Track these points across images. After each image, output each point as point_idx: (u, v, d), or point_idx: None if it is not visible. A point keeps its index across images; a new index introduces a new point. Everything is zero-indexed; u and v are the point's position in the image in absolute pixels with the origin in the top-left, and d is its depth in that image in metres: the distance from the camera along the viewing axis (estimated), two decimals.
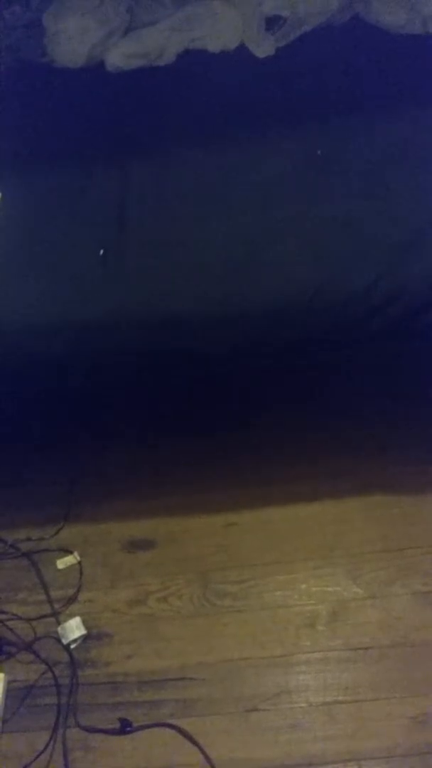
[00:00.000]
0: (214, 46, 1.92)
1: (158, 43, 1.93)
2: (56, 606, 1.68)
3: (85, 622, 1.64)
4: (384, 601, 1.59)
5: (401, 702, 1.46)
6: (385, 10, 1.90)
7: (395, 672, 1.50)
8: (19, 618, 1.67)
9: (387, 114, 1.70)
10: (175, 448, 1.87)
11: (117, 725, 1.49)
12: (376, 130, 1.67)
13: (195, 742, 1.46)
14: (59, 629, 1.63)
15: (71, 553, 1.75)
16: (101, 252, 1.52)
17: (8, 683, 1.57)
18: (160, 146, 1.74)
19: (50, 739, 1.49)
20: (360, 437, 1.80)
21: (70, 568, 1.73)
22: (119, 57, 1.94)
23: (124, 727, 1.48)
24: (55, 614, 1.66)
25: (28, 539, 1.79)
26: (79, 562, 1.74)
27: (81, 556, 1.74)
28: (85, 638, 1.62)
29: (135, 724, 1.49)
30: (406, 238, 1.47)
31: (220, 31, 1.90)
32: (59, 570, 1.73)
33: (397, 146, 1.62)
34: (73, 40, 1.95)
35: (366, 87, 1.79)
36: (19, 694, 1.56)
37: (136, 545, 1.75)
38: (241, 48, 1.94)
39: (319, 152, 1.64)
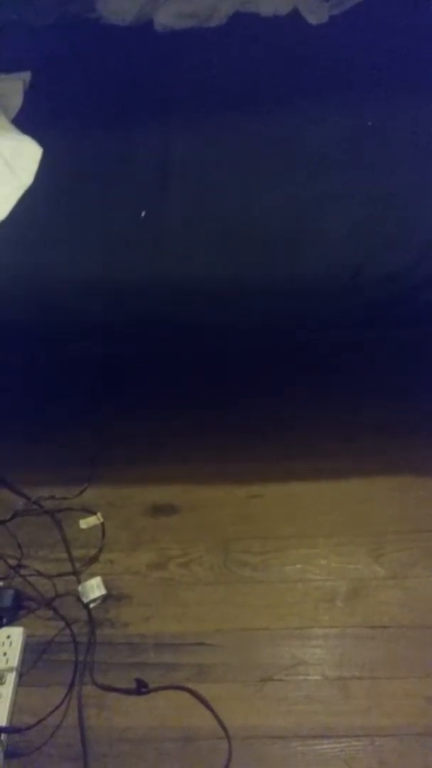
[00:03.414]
0: (266, 9, 1.88)
1: (209, 3, 1.89)
2: (77, 565, 1.69)
3: (105, 583, 1.65)
4: (405, 582, 1.59)
5: (418, 682, 1.46)
6: None
7: (412, 652, 1.50)
8: (40, 574, 1.68)
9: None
10: (201, 418, 1.87)
11: (133, 685, 1.50)
12: (426, 105, 1.63)
13: (209, 707, 1.47)
14: (79, 588, 1.64)
15: (94, 513, 1.76)
16: (143, 214, 1.51)
17: (27, 638, 1.59)
18: (205, 110, 1.71)
19: (66, 695, 1.50)
20: (390, 417, 1.79)
21: (92, 528, 1.74)
22: (169, 16, 1.91)
23: (140, 688, 1.49)
24: (75, 573, 1.67)
25: (52, 497, 1.80)
26: (102, 524, 1.74)
27: (104, 517, 1.75)
28: (104, 598, 1.63)
29: (151, 686, 1.50)
30: None
31: None
32: (82, 530, 1.74)
33: None
34: None
35: (422, 60, 1.75)
36: (37, 649, 1.58)
37: (159, 510, 1.76)
38: (294, 13, 1.90)
39: (369, 123, 1.61)
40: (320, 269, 1.42)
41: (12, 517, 1.77)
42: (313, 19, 1.87)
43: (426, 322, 1.49)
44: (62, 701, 1.50)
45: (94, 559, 1.69)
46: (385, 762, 1.38)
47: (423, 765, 1.38)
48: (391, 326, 1.51)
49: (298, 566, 1.64)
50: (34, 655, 1.57)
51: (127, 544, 1.71)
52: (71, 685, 1.52)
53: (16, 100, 1.79)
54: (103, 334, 1.50)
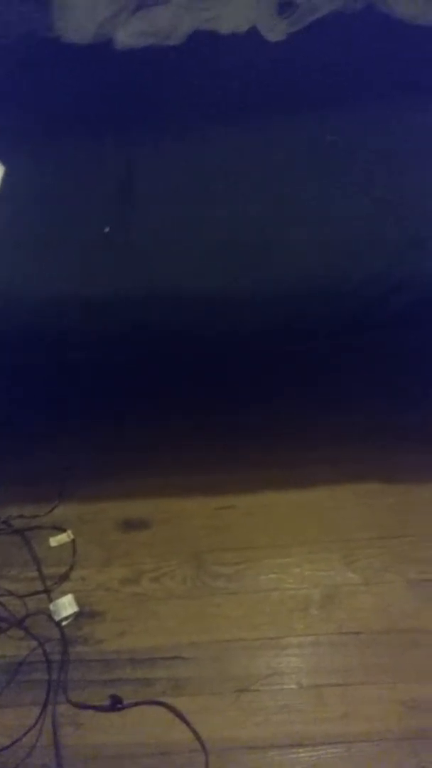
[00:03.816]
0: (225, 27, 1.91)
1: (168, 21, 1.91)
2: (48, 583, 1.67)
3: (77, 600, 1.63)
4: (377, 588, 1.60)
5: (392, 687, 1.47)
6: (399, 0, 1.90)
7: (386, 658, 1.51)
8: (11, 594, 1.66)
9: (397, 104, 1.70)
10: (172, 430, 1.87)
11: (107, 702, 1.48)
12: (385, 120, 1.67)
13: (185, 721, 1.46)
14: (51, 606, 1.63)
15: (65, 531, 1.74)
16: (106, 230, 1.51)
17: None
18: (167, 126, 1.73)
19: (40, 714, 1.48)
20: (359, 425, 1.80)
21: (63, 546, 1.73)
22: (128, 35, 1.93)
23: (115, 704, 1.48)
24: (47, 591, 1.66)
25: (21, 516, 1.78)
26: (73, 541, 1.73)
27: (75, 534, 1.74)
28: (77, 615, 1.61)
29: (125, 702, 1.49)
30: (423, 226, 1.47)
31: (232, 12, 1.89)
32: (52, 548, 1.73)
33: (410, 134, 1.62)
34: (81, 15, 1.93)
35: (376, 77, 1.79)
36: (9, 669, 1.55)
37: (130, 525, 1.75)
38: (252, 31, 1.93)
39: (328, 138, 1.64)
40: (283, 279, 1.43)
41: None
42: (271, 37, 1.90)
43: (391, 332, 1.52)
44: (36, 721, 1.48)
45: (65, 577, 1.68)
46: None
47: None
48: (355, 337, 1.53)
49: (272, 576, 1.64)
50: (6, 676, 1.54)
51: (98, 560, 1.70)
52: (45, 705, 1.50)
53: None
54: (69, 349, 1.50)
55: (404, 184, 1.54)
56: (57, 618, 1.61)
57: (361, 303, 1.43)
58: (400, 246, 1.43)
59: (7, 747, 1.43)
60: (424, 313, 1.43)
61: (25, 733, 1.46)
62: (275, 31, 1.89)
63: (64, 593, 1.65)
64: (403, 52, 1.81)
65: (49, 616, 1.62)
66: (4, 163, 1.65)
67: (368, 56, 1.83)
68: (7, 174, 1.63)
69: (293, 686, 1.49)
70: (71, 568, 1.69)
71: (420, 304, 1.42)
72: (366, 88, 1.74)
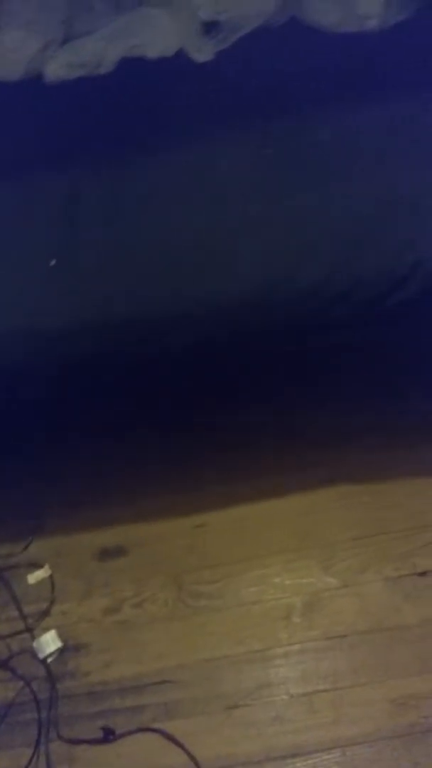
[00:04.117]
0: (152, 52, 1.92)
1: (96, 52, 1.92)
2: (30, 621, 1.66)
3: (60, 635, 1.62)
4: (357, 589, 1.61)
5: (380, 686, 1.48)
6: (319, 9, 1.93)
7: (372, 657, 1.52)
8: None
9: (327, 112, 1.73)
10: (138, 454, 1.86)
11: (100, 734, 1.48)
12: (319, 129, 1.70)
13: (179, 744, 1.45)
14: (34, 644, 1.62)
15: (41, 566, 1.73)
16: (52, 263, 1.52)
17: None
18: (105, 154, 1.74)
19: (33, 754, 1.47)
20: (323, 428, 1.82)
21: (41, 581, 1.72)
22: (57, 68, 1.94)
23: (107, 736, 1.47)
24: (29, 629, 1.65)
25: None
26: (50, 576, 1.72)
27: (52, 568, 1.73)
28: (61, 651, 1.61)
29: (118, 732, 1.48)
30: (357, 232, 1.49)
31: (158, 37, 1.91)
32: (30, 585, 1.72)
33: (340, 143, 1.65)
34: (8, 53, 1.95)
35: (304, 87, 1.82)
36: None
37: (107, 553, 1.74)
38: (180, 54, 1.95)
39: (268, 151, 1.66)
40: (231, 292, 1.45)
41: None
42: (199, 57, 1.92)
43: (344, 334, 1.54)
44: (30, 761, 1.47)
45: (46, 613, 1.67)
46: None
47: None
48: (308, 342, 1.55)
49: (252, 589, 1.65)
50: None
51: (78, 593, 1.69)
52: (38, 744, 1.49)
53: None
54: (25, 384, 1.50)
55: (345, 190, 1.57)
56: (41, 656, 1.60)
57: (304, 312, 1.45)
58: (337, 253, 1.45)
59: None
60: (368, 316, 1.45)
61: None
62: (202, 51, 1.90)
63: (46, 629, 1.64)
64: (326, 60, 1.84)
65: (33, 655, 1.61)
66: None
67: (294, 68, 1.86)
68: None
69: (283, 697, 1.50)
70: (51, 603, 1.68)
71: (363, 307, 1.44)
72: (295, 99, 1.77)
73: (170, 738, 1.46)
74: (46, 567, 1.73)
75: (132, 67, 1.95)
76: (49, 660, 1.59)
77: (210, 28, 1.95)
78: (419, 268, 1.41)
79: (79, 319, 1.46)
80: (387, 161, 1.58)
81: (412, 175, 1.53)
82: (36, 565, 1.74)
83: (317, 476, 1.76)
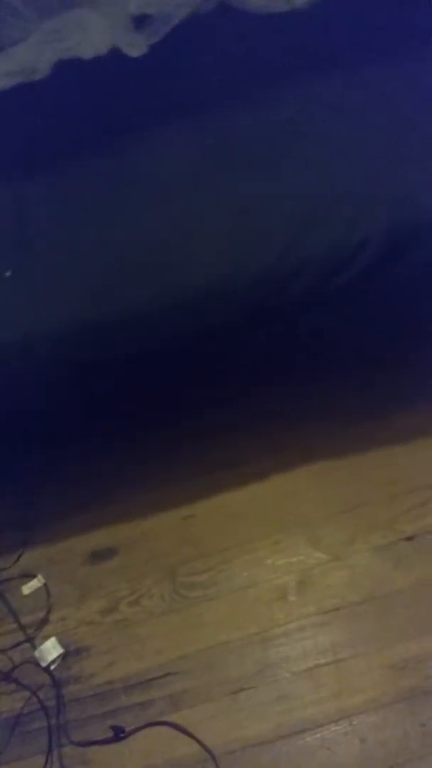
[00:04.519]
0: (86, 52, 1.92)
1: (30, 58, 1.91)
2: (29, 631, 1.67)
3: (61, 641, 1.64)
4: (347, 561, 1.64)
5: (379, 653, 1.50)
6: None
7: (368, 626, 1.54)
8: None
9: (265, 96, 1.73)
10: (120, 455, 1.87)
11: (110, 734, 1.49)
12: (259, 114, 1.70)
13: (189, 734, 1.47)
14: (36, 653, 1.63)
15: (35, 576, 1.74)
16: (7, 273, 1.52)
17: None
18: (49, 157, 1.74)
19: (46, 761, 1.49)
20: (295, 408, 1.83)
21: (36, 591, 1.73)
22: None
23: (118, 734, 1.49)
24: (29, 639, 1.66)
25: None
26: (45, 584, 1.73)
27: (46, 576, 1.74)
28: (63, 656, 1.62)
29: (127, 729, 1.50)
30: (304, 213, 1.49)
31: (90, 37, 1.90)
32: (26, 595, 1.73)
33: (282, 125, 1.65)
34: None
35: (241, 71, 1.82)
36: (7, 724, 1.55)
37: (99, 556, 1.75)
38: (114, 50, 1.95)
39: (208, 141, 1.66)
40: (186, 286, 1.46)
41: None
42: (132, 52, 1.92)
43: (304, 313, 1.56)
44: None
45: (45, 621, 1.68)
46: (366, 738, 1.42)
47: (402, 732, 1.42)
48: (272, 324, 1.56)
49: (245, 574, 1.67)
50: (6, 732, 1.55)
51: (74, 597, 1.70)
52: (50, 751, 1.50)
53: None
54: None
55: (289, 173, 1.57)
56: (44, 663, 1.61)
57: (262, 295, 1.46)
58: (286, 234, 1.46)
59: None
60: (326, 293, 1.47)
61: None
62: (135, 46, 1.90)
63: (46, 637, 1.65)
64: (259, 41, 1.84)
65: (36, 664, 1.62)
66: None
67: (228, 52, 1.86)
68: None
69: (286, 675, 1.52)
70: (49, 611, 1.69)
71: (315, 284, 1.45)
72: (231, 85, 1.77)
73: (180, 729, 1.48)
74: (40, 576, 1.74)
75: (68, 68, 1.94)
76: (53, 667, 1.61)
77: (140, 22, 1.94)
78: (367, 245, 1.42)
79: (38, 330, 1.47)
80: (329, 143, 1.59)
81: (354, 155, 1.54)
82: (29, 576, 1.75)
83: (295, 456, 1.78)
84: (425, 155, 1.51)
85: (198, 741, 1.46)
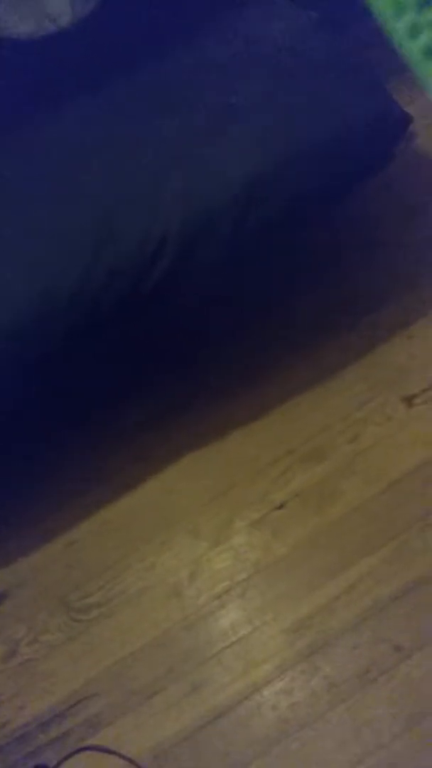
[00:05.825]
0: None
1: None
2: None
3: None
4: (229, 543, 1.68)
5: (274, 621, 1.56)
6: (11, 20, 1.95)
7: (259, 598, 1.59)
8: None
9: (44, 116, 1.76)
10: None
11: None
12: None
13: (112, 751, 1.48)
14: None
15: None
16: None
17: None
18: None
19: None
20: (146, 413, 1.87)
21: None
22: None
23: None
24: None
25: None
26: None
27: None
28: None
29: (51, 765, 1.49)
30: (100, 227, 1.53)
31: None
32: None
33: (68, 141, 1.70)
34: None
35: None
36: None
37: None
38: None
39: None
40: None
41: None
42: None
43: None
44: None
45: None
46: (277, 706, 1.47)
47: (310, 691, 1.47)
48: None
49: (138, 582, 1.68)
50: None
51: None
52: None
53: None
54: None
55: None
56: None
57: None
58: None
59: None
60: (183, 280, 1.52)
61: None
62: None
63: None
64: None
65: None
66: None
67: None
68: None
69: (194, 667, 1.55)
70: None
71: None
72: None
73: (102, 749, 1.48)
74: None
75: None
76: None
77: None
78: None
79: None
80: (114, 150, 1.64)
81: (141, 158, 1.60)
82: None
83: (161, 456, 1.82)
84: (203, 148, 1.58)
85: (122, 756, 1.47)
